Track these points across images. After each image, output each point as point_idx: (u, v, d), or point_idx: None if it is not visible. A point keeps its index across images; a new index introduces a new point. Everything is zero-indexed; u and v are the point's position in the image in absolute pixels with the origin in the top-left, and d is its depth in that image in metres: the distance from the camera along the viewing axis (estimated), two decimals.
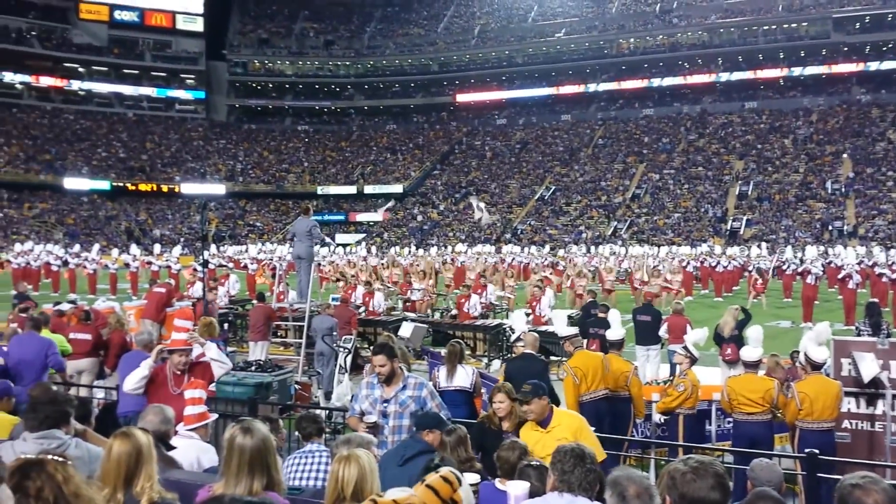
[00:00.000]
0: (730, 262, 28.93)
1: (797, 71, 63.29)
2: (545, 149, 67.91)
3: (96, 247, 35.87)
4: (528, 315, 12.26)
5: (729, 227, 49.95)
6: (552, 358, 12.17)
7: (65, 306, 11.30)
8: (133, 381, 5.58)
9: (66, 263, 29.80)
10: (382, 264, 27.70)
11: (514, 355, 7.51)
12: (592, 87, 70.48)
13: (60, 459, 2.23)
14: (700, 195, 54.84)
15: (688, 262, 30.18)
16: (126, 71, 74.80)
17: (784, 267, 27.92)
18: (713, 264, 28.58)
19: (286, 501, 3.12)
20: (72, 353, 9.13)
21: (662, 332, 11.21)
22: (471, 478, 3.42)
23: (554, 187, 60.85)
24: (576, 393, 7.06)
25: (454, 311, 15.68)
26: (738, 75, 65.09)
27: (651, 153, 62.46)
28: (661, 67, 67.75)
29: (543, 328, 12.98)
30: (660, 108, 68.24)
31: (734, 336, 10.17)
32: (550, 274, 25.50)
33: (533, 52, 72.71)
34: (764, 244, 40.07)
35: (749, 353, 7.03)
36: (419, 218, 61.24)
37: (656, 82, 67.90)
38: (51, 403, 3.47)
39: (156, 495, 2.90)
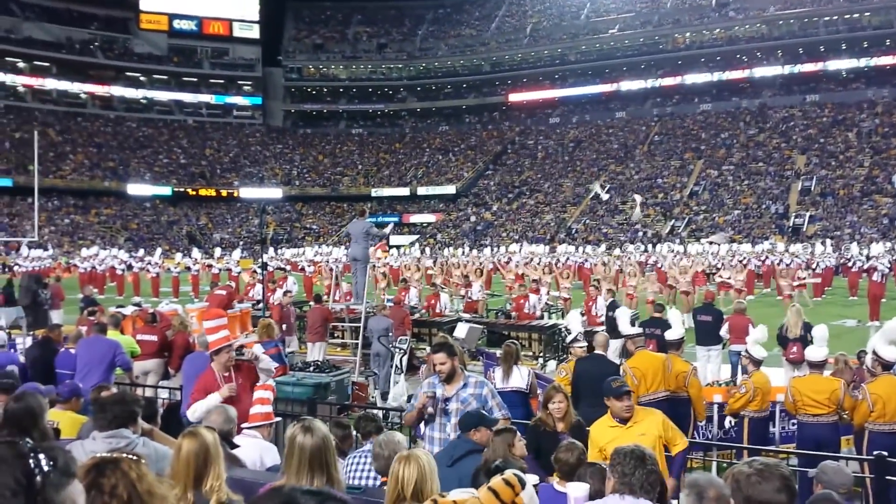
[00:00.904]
0: (792, 260, 28.15)
1: (860, 62, 61.23)
2: (599, 147, 67.18)
3: (159, 251, 36.86)
4: (582, 315, 12.15)
5: (791, 224, 48.61)
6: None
7: (128, 309, 11.64)
8: (200, 411, 5.31)
9: (129, 267, 30.71)
10: (444, 265, 27.69)
11: (581, 356, 7.42)
12: (648, 83, 69.41)
13: (135, 458, 2.29)
14: (761, 191, 53.50)
15: (749, 260, 29.49)
16: (185, 79, 76.79)
17: (850, 264, 27.06)
18: (775, 262, 27.86)
19: (346, 496, 3.16)
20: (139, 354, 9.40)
21: (723, 332, 10.98)
22: (530, 478, 3.41)
23: (609, 186, 60.13)
24: (636, 394, 6.96)
25: (512, 312, 15.61)
26: (798, 68, 63.28)
27: (709, 149, 61.20)
28: (718, 61, 66.35)
29: (599, 329, 12.83)
30: (718, 102, 66.78)
31: (799, 336, 9.89)
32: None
33: (586, 49, 71.98)
34: (829, 241, 38.88)
35: (815, 352, 6.83)
36: (472, 218, 61.24)
37: (714, 77, 66.48)
38: (119, 403, 3.57)
39: (224, 496, 2.96)
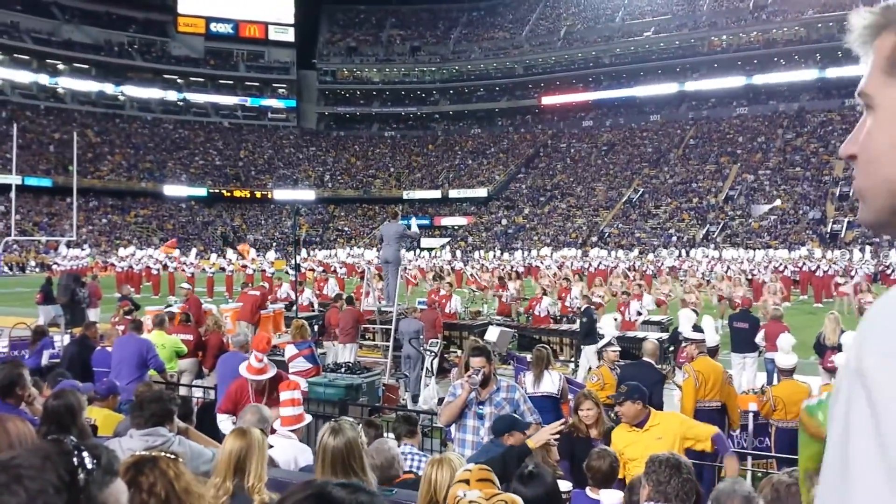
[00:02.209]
0: (830, 267, 27.65)
1: None
2: (633, 150, 66.63)
3: (194, 251, 37.37)
4: (615, 320, 12.04)
5: (829, 230, 47.72)
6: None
7: (175, 308, 11.79)
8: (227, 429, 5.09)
9: (165, 267, 31.13)
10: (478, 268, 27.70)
11: (614, 360, 7.37)
12: (683, 87, 68.67)
13: (172, 457, 2.32)
14: (798, 196, 52.62)
15: (785, 267, 29.03)
16: (221, 81, 77.82)
17: (888, 271, 26.51)
18: (812, 268, 27.38)
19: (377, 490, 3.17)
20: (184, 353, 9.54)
21: (759, 339, 10.81)
22: (564, 485, 3.39)
23: (642, 189, 59.62)
24: (695, 397, 6.86)
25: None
26: (837, 71, 62.04)
27: (745, 153, 60.36)
28: (755, 65, 65.43)
29: (633, 333, 12.72)
30: (754, 106, 65.84)
31: (837, 344, 9.70)
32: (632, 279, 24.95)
33: (620, 51, 71.47)
34: (867, 247, 38.10)
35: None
36: (504, 222, 61.12)
37: (751, 80, 65.55)
38: (156, 402, 3.62)
39: (266, 497, 2.99)
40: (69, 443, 1.15)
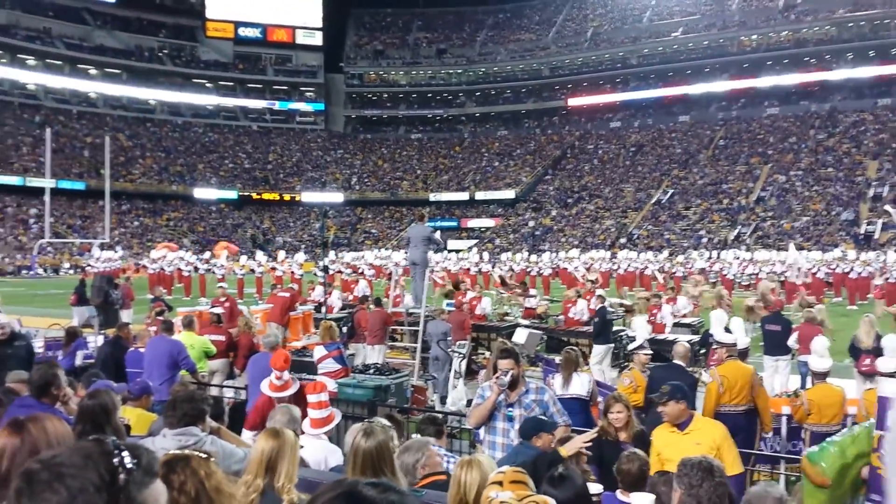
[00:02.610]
0: (864, 268, 27.17)
1: None
2: (662, 151, 66.11)
3: (224, 253, 37.73)
4: (648, 322, 11.94)
5: (863, 231, 46.91)
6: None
7: (217, 309, 11.91)
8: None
9: (196, 269, 31.48)
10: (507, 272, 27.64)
11: (645, 363, 7.31)
12: (713, 87, 67.93)
13: (204, 456, 2.34)
14: (831, 197, 51.81)
15: (818, 269, 28.58)
16: (250, 85, 78.64)
17: None
18: (846, 270, 26.93)
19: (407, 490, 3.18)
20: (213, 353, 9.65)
21: (792, 341, 10.66)
22: (595, 487, 3.37)
23: (672, 191, 59.10)
24: (716, 401, 6.79)
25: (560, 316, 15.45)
26: (869, 71, 61.04)
27: (776, 154, 59.59)
28: (785, 64, 64.54)
29: (663, 336, 12.61)
30: (785, 106, 64.94)
31: (872, 347, 9.53)
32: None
33: (648, 52, 70.97)
34: None
35: (887, 364, 6.58)
36: (531, 223, 60.96)
37: (782, 80, 64.66)
38: (188, 401, 3.65)
39: (295, 497, 3.02)
40: (110, 443, 1.17)
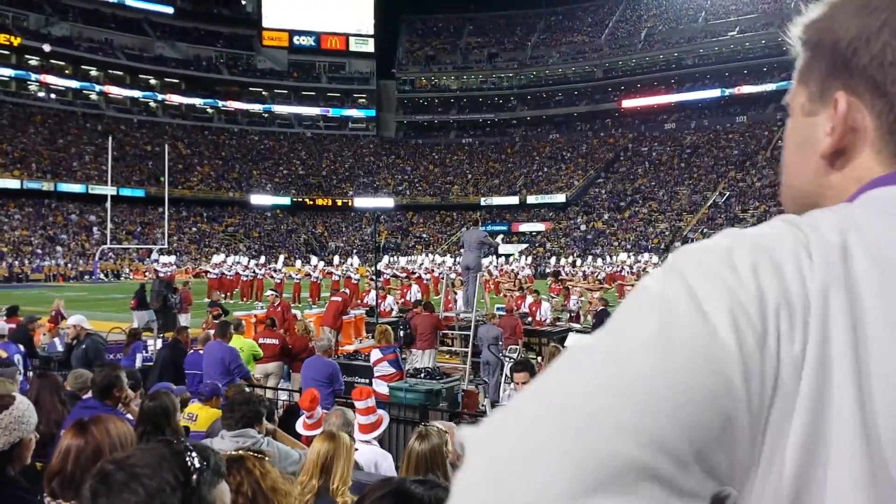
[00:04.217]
0: None
1: None
2: (718, 152, 64.86)
3: (281, 258, 38.43)
4: None
5: None
6: None
7: (302, 313, 12.12)
8: None
9: (254, 274, 32.00)
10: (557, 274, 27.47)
11: None
12: (771, 87, 66.40)
13: (259, 455, 2.38)
14: None
15: None
16: (304, 93, 79.85)
17: None
18: None
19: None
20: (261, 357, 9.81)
21: None
22: None
23: (728, 193, 57.92)
24: None
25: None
26: None
27: None
28: None
29: None
30: None
31: None
32: None
33: (704, 52, 69.78)
34: None
35: None
36: (582, 227, 60.40)
37: None
38: (245, 403, 3.72)
39: (349, 500, 3.05)
40: (181, 444, 1.19)
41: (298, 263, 36.20)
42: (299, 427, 4.70)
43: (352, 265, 29.20)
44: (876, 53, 0.60)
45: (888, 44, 0.58)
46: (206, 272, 32.94)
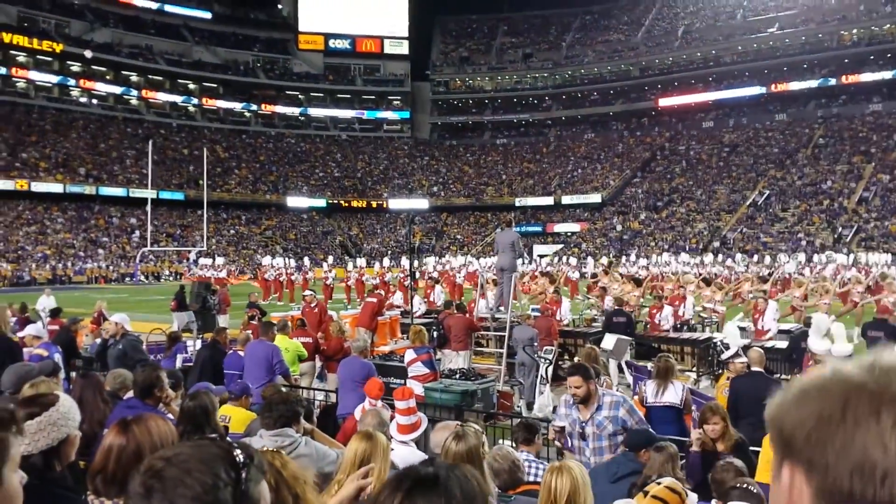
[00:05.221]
0: None
1: None
2: (757, 151, 63.83)
3: (331, 258, 38.96)
4: (741, 329, 11.52)
5: None
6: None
7: (338, 314, 12.29)
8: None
9: (292, 276, 32.36)
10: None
11: (741, 372, 7.06)
12: (811, 84, 65.14)
13: (273, 450, 2.43)
14: None
15: None
16: (339, 96, 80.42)
17: None
18: None
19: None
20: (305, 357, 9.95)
21: None
22: (690, 497, 3.28)
23: (768, 191, 56.96)
24: None
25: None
26: None
27: (880, 152, 56.59)
28: (889, 59, 61.21)
29: (770, 344, 12.13)
30: (890, 102, 61.56)
31: None
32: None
33: (742, 49, 68.69)
34: None
35: None
36: (618, 227, 59.87)
37: (886, 75, 61.36)
38: (283, 403, 3.76)
39: None
40: (225, 441, 1.21)
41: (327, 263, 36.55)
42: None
43: (386, 267, 29.39)
44: (805, 436, 0.77)
45: (814, 428, 0.76)
46: (244, 274, 33.37)
